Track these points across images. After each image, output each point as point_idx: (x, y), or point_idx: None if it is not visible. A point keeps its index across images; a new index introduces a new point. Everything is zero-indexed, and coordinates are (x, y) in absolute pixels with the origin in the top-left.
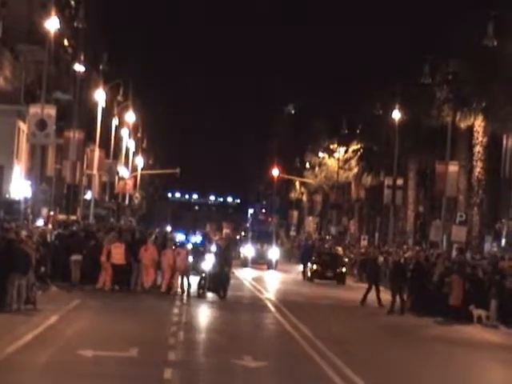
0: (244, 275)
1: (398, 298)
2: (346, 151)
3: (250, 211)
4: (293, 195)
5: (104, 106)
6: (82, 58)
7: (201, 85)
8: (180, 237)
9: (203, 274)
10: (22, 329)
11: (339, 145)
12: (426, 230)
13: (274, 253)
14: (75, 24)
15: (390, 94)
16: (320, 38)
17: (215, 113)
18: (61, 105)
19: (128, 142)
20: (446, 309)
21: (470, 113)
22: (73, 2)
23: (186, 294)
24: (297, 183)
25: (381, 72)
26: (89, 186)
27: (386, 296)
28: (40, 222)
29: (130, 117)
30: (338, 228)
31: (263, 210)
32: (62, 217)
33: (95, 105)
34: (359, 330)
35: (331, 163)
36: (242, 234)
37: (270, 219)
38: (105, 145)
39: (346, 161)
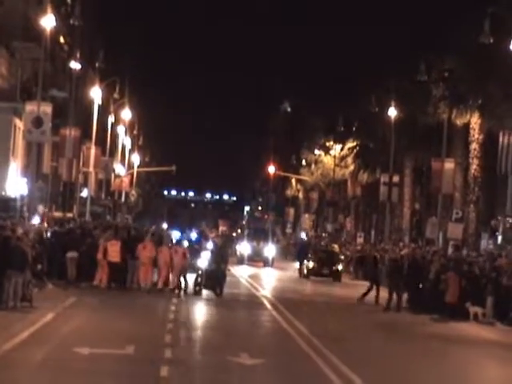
0: (240, 272)
1: (394, 296)
2: (342, 148)
3: (246, 208)
4: (289, 192)
5: (100, 103)
6: (78, 55)
7: (199, 83)
8: (175, 234)
9: (199, 272)
10: (18, 326)
11: (335, 142)
12: (422, 227)
13: (270, 250)
14: (71, 21)
15: (385, 92)
16: (319, 38)
17: (212, 111)
18: (57, 102)
19: (124, 140)
20: (442, 306)
21: (466, 110)
22: (69, 0)
23: (182, 291)
24: (293, 180)
25: (377, 70)
26: (85, 184)
27: (382, 294)
28: (36, 220)
29: (126, 114)
30: (334, 225)
31: (259, 208)
32: (58, 214)
33: (91, 102)
34: (355, 327)
35: (327, 160)
36: (238, 231)
37: (266, 216)
38: (101, 142)
39: (342, 158)
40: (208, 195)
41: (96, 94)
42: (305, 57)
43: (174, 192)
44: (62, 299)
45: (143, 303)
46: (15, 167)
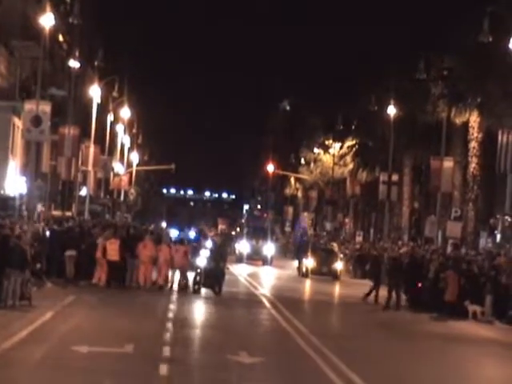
0: (239, 271)
1: (393, 294)
2: (341, 147)
3: (246, 207)
4: (288, 191)
5: (99, 101)
6: (77, 53)
7: (198, 82)
8: (173, 232)
9: (198, 270)
10: (17, 325)
11: (334, 141)
12: (421, 225)
13: (269, 249)
14: (70, 20)
15: (385, 90)
16: (319, 38)
17: (212, 110)
18: (56, 101)
19: (123, 138)
20: (441, 304)
21: (465, 108)
22: None
23: (181, 289)
24: (292, 179)
25: (376, 68)
26: (84, 183)
27: (382, 292)
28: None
29: (126, 113)
30: (334, 224)
31: (258, 206)
32: (57, 213)
33: (90, 101)
34: (354, 325)
35: (326, 159)
36: (237, 229)
37: (265, 215)
38: (100, 141)
39: (341, 157)
40: (207, 194)
41: (95, 92)
42: (305, 57)
43: (173, 190)
44: (61, 298)
45: (142, 302)
46: (14, 166)
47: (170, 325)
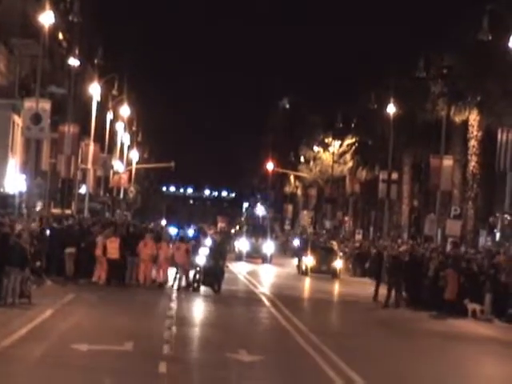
0: (239, 269)
1: (393, 292)
2: (341, 145)
3: (245, 205)
4: (287, 189)
5: (99, 99)
6: (77, 51)
7: (198, 80)
8: (172, 230)
9: (197, 268)
10: (17, 323)
11: (334, 139)
12: (421, 223)
13: (268, 247)
14: (70, 18)
15: (384, 88)
16: (319, 38)
17: (211, 108)
18: (55, 99)
19: (123, 136)
20: (440, 303)
21: (465, 107)
22: None
23: (180, 287)
24: (291, 177)
25: (376, 67)
26: (83, 180)
27: (382, 291)
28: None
29: (125, 111)
30: (333, 222)
31: (258, 204)
32: (56, 211)
33: (90, 99)
34: (354, 323)
35: (326, 157)
36: (237, 227)
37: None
38: (99, 139)
39: (341, 155)
40: (207, 192)
41: (95, 90)
42: (305, 56)
43: (172, 188)
44: (61, 296)
45: (142, 300)
46: (14, 164)
47: (169, 323)
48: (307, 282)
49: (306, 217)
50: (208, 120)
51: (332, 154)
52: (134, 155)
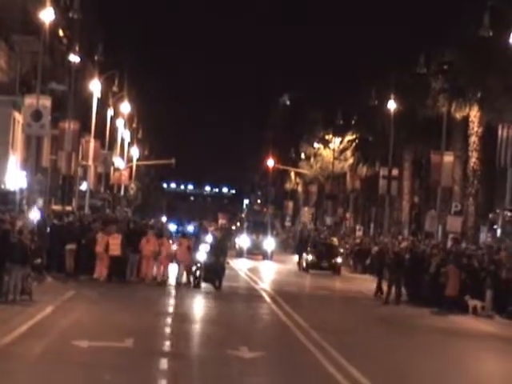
0: (239, 266)
1: (393, 289)
2: (342, 142)
3: (246, 202)
4: (288, 186)
5: (99, 96)
6: (77, 48)
7: (199, 76)
8: (171, 227)
9: (198, 265)
10: (18, 319)
11: (334, 135)
12: (422, 220)
13: (269, 243)
14: (70, 14)
15: (385, 85)
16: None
17: (212, 104)
18: (56, 95)
19: (123, 133)
20: (441, 299)
21: (466, 103)
22: None
23: (181, 284)
24: (292, 174)
25: (377, 63)
26: (84, 177)
27: (383, 287)
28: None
29: (126, 107)
30: (334, 218)
31: (258, 201)
32: (57, 207)
33: (90, 95)
34: (354, 320)
35: (326, 154)
36: (238, 224)
37: (265, 210)
38: (100, 135)
39: (342, 151)
40: (207, 188)
41: (95, 87)
42: (305, 53)
43: (173, 185)
44: (62, 292)
45: (143, 296)
46: (14, 160)
47: (170, 319)
48: (308, 279)
49: (306, 213)
50: (208, 117)
51: (332, 150)
52: (135, 152)
